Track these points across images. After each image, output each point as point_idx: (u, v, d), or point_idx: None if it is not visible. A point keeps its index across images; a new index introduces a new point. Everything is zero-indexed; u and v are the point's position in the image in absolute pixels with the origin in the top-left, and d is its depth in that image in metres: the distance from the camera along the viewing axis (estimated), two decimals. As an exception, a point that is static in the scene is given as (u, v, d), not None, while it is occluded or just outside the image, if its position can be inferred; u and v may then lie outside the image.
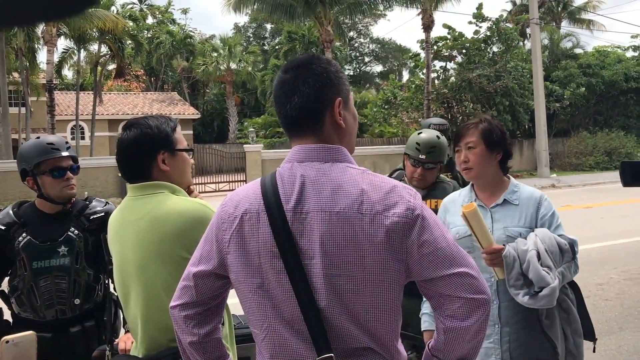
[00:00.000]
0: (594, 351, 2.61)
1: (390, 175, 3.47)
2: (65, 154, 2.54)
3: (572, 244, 2.30)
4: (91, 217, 2.61)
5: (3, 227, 2.50)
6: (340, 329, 1.37)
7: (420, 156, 3.08)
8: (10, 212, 2.56)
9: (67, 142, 2.62)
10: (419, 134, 3.19)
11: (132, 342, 2.09)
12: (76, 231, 2.57)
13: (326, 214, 1.36)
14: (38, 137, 2.60)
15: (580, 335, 2.40)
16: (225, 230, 1.44)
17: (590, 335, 2.50)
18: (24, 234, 2.50)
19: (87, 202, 2.67)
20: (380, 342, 1.40)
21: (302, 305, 1.36)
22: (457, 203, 2.53)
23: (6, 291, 2.59)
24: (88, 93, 31.57)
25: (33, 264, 2.49)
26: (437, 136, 3.15)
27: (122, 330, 2.57)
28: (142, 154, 2.00)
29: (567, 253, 2.27)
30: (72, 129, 29.33)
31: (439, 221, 1.45)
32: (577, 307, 2.44)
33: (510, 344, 2.32)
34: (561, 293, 2.36)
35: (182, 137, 2.13)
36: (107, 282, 2.69)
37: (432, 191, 3.19)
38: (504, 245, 2.26)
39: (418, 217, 1.38)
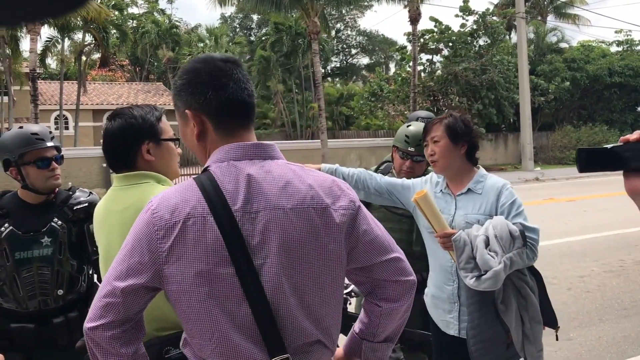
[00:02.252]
0: (556, 339, 2.71)
1: (378, 168, 3.47)
2: (50, 144, 2.51)
3: (523, 232, 2.40)
4: (74, 208, 2.59)
5: (-15, 218, 2.48)
6: (294, 327, 1.36)
7: (409, 149, 3.09)
8: (-8, 202, 2.54)
9: (50, 132, 2.60)
10: (407, 126, 3.19)
11: None
12: (59, 222, 2.55)
13: (280, 211, 1.34)
14: (21, 127, 2.57)
15: (538, 322, 2.52)
16: (162, 238, 1.31)
17: (551, 322, 2.63)
18: (6, 225, 2.48)
19: (71, 193, 2.65)
20: (328, 333, 1.43)
21: (254, 308, 1.32)
22: (427, 184, 2.73)
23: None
24: (72, 83, 31.21)
25: (15, 254, 2.47)
26: None
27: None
28: (127, 144, 1.99)
29: (517, 240, 2.36)
30: (55, 118, 28.99)
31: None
32: (538, 295, 2.56)
33: (467, 323, 2.49)
34: (520, 280, 2.50)
35: (169, 126, 2.10)
36: (90, 273, 2.68)
37: (420, 183, 3.21)
38: (459, 230, 2.41)
39: (359, 208, 1.45)
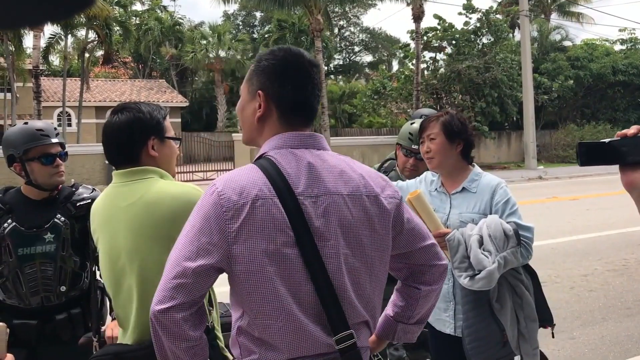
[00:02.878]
0: (552, 337, 2.75)
1: (381, 165, 3.48)
2: (54, 140, 2.51)
3: (517, 231, 2.41)
4: (78, 204, 2.58)
5: (-12, 213, 2.48)
6: (350, 307, 1.43)
7: (413, 146, 3.09)
8: (-4, 198, 2.54)
9: (55, 128, 2.60)
10: (411, 124, 3.19)
11: (119, 330, 2.09)
12: (62, 218, 2.54)
13: (338, 197, 1.43)
14: (26, 123, 2.57)
15: (533, 320, 2.53)
16: (231, 218, 1.36)
17: (547, 320, 2.65)
18: (9, 220, 2.48)
19: (74, 189, 2.65)
20: (373, 315, 1.52)
21: (317, 287, 1.39)
22: (422, 184, 2.77)
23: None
24: (75, 79, 31.21)
25: (18, 250, 2.47)
26: None
27: (109, 318, 2.56)
28: (133, 138, 1.99)
29: (511, 239, 2.38)
30: (58, 115, 29.02)
31: None
32: (534, 293, 2.58)
33: (462, 322, 2.52)
34: (515, 279, 2.52)
35: (171, 126, 2.14)
36: (93, 269, 2.67)
37: (423, 181, 3.20)
38: (453, 230, 2.43)
39: (401, 197, 1.57)
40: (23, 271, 2.47)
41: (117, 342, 2.08)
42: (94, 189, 2.70)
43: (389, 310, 1.69)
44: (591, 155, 1.14)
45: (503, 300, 2.47)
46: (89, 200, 2.58)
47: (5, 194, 2.57)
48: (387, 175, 3.29)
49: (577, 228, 9.36)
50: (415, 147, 3.08)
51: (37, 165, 2.48)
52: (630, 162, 1.10)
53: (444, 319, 2.60)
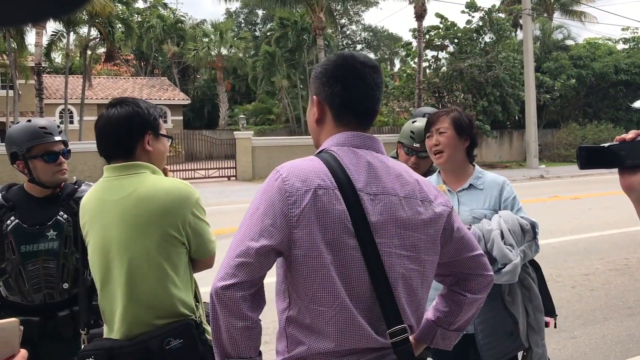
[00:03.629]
0: (555, 327, 2.79)
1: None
2: (57, 138, 2.52)
3: (533, 225, 2.47)
4: (80, 201, 2.59)
5: (-9, 210, 2.48)
6: (400, 307, 1.46)
7: (414, 145, 3.10)
8: (-1, 195, 2.54)
9: (58, 126, 2.60)
10: (413, 122, 3.20)
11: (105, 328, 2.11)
12: (65, 215, 2.55)
13: (395, 198, 1.47)
14: (29, 120, 2.57)
15: (541, 312, 2.58)
16: (294, 203, 1.40)
17: (550, 312, 2.70)
18: (12, 217, 2.49)
19: (76, 186, 2.66)
20: (418, 321, 1.55)
21: (374, 279, 1.42)
22: None
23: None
24: (77, 77, 31.26)
25: (21, 247, 2.47)
26: None
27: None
28: (132, 131, 2.04)
29: (528, 233, 2.43)
30: (60, 112, 29.05)
31: None
32: (538, 286, 2.63)
33: (475, 317, 2.46)
34: (523, 272, 2.55)
35: (164, 125, 2.21)
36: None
37: (424, 180, 3.22)
38: (469, 225, 2.44)
39: (452, 207, 1.59)
40: (26, 268, 2.48)
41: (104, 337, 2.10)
42: (96, 186, 2.71)
43: (429, 314, 1.70)
44: (591, 158, 1.17)
45: (514, 294, 2.50)
46: (92, 198, 2.59)
47: (8, 192, 2.58)
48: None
49: (579, 227, 9.35)
50: (417, 145, 3.09)
51: (40, 163, 2.48)
52: (629, 165, 1.13)
53: None
